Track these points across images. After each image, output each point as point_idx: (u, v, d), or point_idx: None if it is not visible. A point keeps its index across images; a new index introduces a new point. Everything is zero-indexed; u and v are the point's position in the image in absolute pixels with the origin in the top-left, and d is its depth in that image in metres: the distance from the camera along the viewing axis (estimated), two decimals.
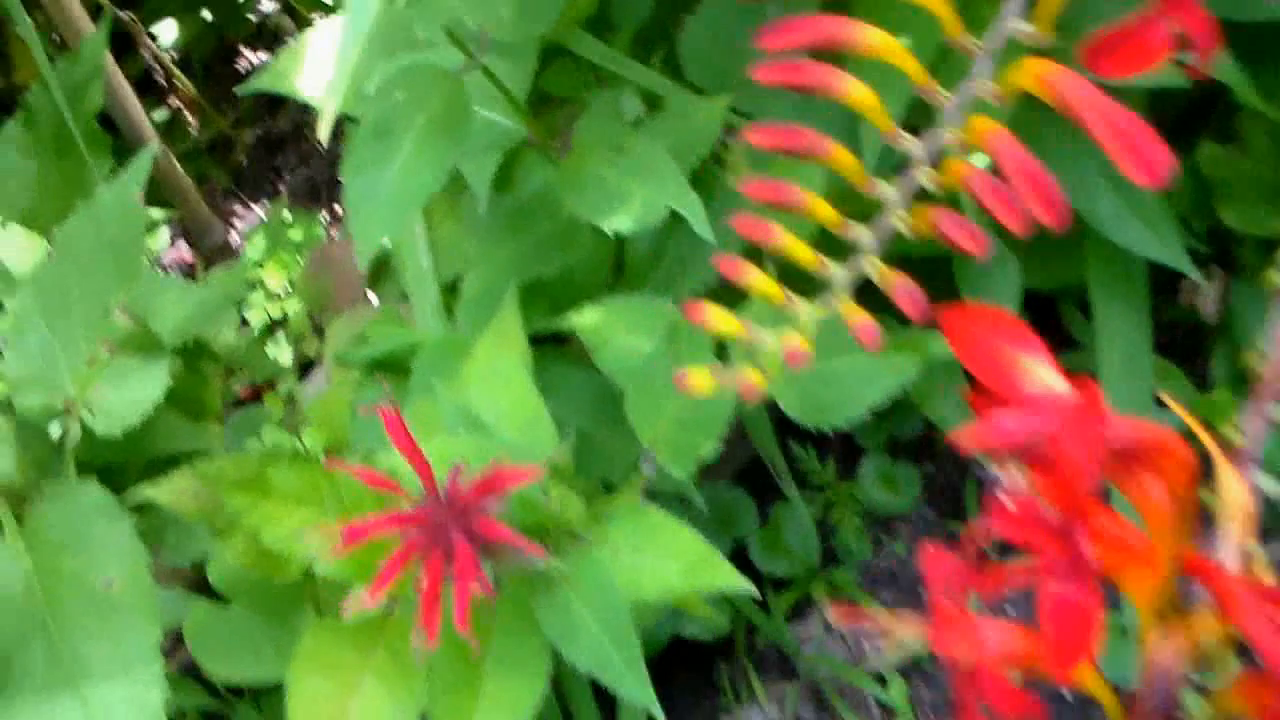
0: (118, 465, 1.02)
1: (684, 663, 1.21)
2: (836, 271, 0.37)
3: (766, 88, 0.92)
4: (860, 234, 0.37)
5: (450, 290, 1.09)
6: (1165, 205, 0.94)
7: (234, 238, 1.53)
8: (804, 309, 0.36)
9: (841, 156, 0.37)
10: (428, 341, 0.95)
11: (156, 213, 1.38)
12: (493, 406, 0.80)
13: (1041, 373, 0.37)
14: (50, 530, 0.79)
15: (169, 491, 0.86)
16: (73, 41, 1.22)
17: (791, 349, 0.34)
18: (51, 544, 0.78)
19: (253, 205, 1.56)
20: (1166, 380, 1.21)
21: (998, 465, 0.37)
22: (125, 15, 1.35)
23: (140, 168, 0.89)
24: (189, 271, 1.50)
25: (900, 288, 0.34)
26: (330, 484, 0.79)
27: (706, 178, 0.93)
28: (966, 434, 0.35)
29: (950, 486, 1.30)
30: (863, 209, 0.39)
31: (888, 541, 1.28)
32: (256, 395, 1.29)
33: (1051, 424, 0.35)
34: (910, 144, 0.37)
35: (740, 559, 1.23)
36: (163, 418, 1.01)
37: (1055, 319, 1.18)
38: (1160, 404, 1.23)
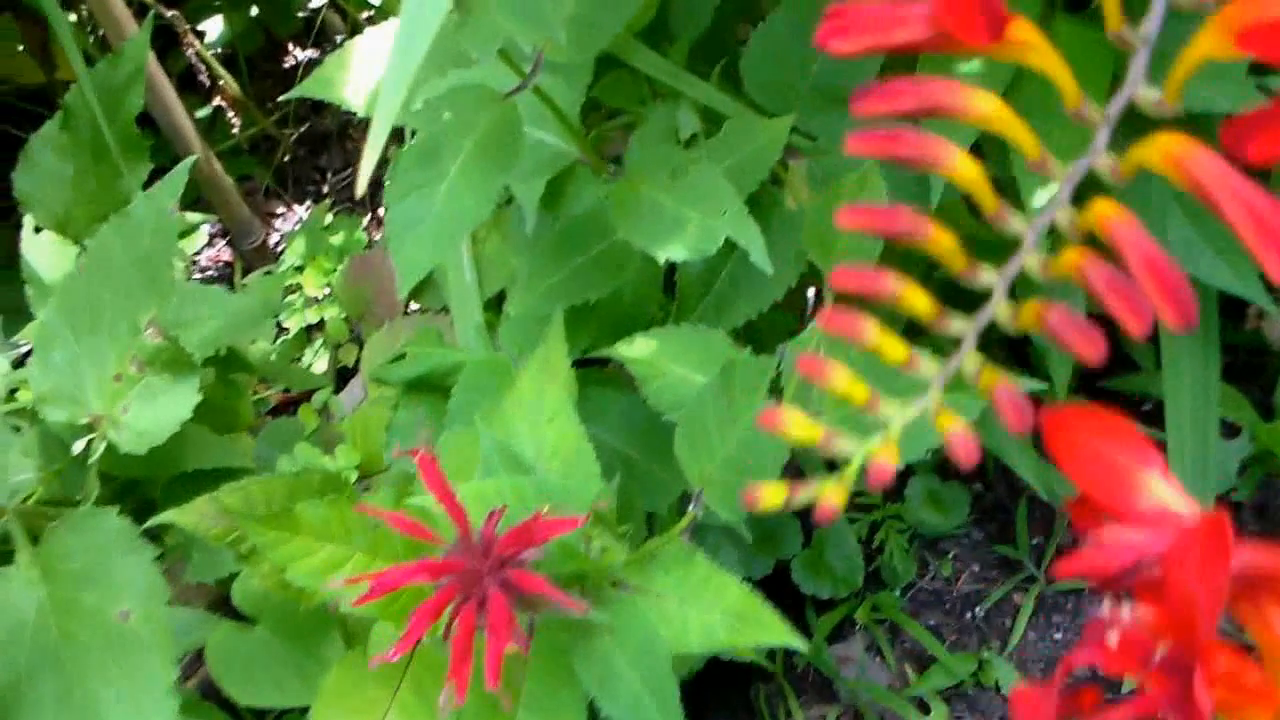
0: (144, 480, 0.99)
1: (720, 683, 1.18)
2: (930, 367, 0.33)
3: (830, 107, 0.88)
4: (959, 327, 0.33)
5: (494, 306, 1.06)
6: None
7: (274, 238, 1.50)
8: (893, 412, 0.32)
9: (941, 239, 0.33)
10: (469, 363, 0.91)
11: (195, 215, 1.35)
12: (535, 443, 0.76)
13: (1157, 487, 0.33)
14: (67, 560, 0.76)
15: (193, 514, 0.83)
16: (115, 40, 1.19)
17: (879, 464, 0.30)
18: (68, 574, 0.75)
19: (295, 206, 1.53)
20: (1231, 407, 1.16)
21: (1102, 591, 0.32)
22: (170, 13, 1.32)
23: (176, 181, 0.86)
24: (227, 272, 1.47)
25: (1003, 394, 0.30)
26: (361, 518, 0.75)
27: (764, 199, 0.89)
28: (1074, 560, 0.31)
29: (1000, 508, 1.26)
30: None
31: (934, 563, 1.24)
32: (293, 404, 1.26)
33: (1170, 549, 0.31)
34: (1018, 225, 0.33)
35: (783, 579, 1.19)
36: (192, 433, 0.98)
37: (1113, 339, 1.13)
38: (1227, 431, 1.20)
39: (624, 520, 0.96)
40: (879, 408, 0.34)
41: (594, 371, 0.95)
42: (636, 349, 0.81)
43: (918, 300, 0.33)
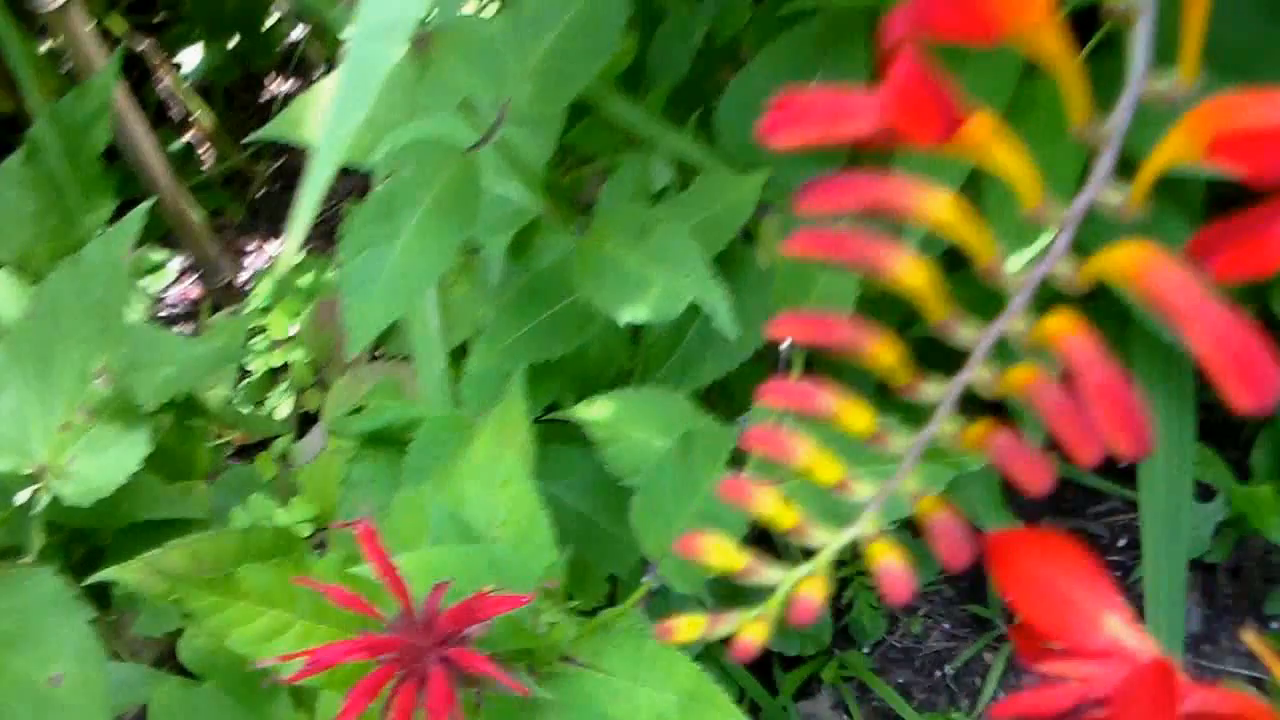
0: (91, 531, 0.96)
1: None
2: (865, 494, 0.30)
3: (805, 162, 0.86)
4: (897, 443, 0.30)
5: (461, 355, 1.03)
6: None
7: (246, 275, 1.48)
8: (864, 489, 0.29)
9: (883, 353, 0.30)
10: (427, 419, 0.88)
11: (164, 253, 1.33)
12: (487, 508, 0.73)
13: (1109, 622, 0.30)
14: None
15: (136, 572, 0.80)
16: (85, 72, 1.17)
17: (805, 601, 0.28)
18: None
19: (267, 242, 1.51)
20: (1207, 468, 1.14)
21: None
22: (143, 44, 1.29)
23: (130, 226, 0.83)
24: (195, 309, 1.44)
25: (942, 527, 0.28)
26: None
27: (735, 256, 0.87)
28: (1014, 701, 0.29)
29: (972, 564, 1.23)
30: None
31: (904, 620, 1.22)
32: (254, 448, 1.23)
33: (1116, 692, 0.29)
34: (967, 335, 0.31)
35: None
36: (143, 483, 0.95)
37: None
38: (1202, 493, 1.17)
39: (585, 584, 0.93)
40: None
41: (557, 427, 0.92)
42: (596, 411, 0.78)
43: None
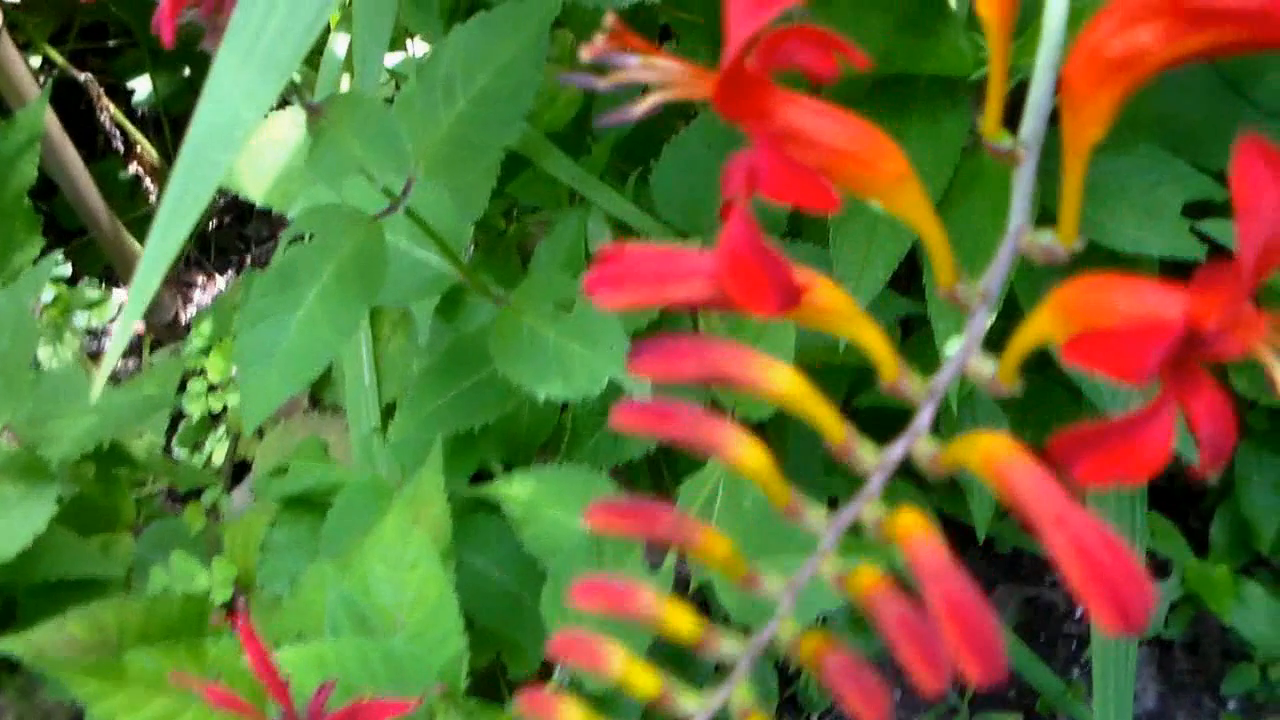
0: (4, 584, 0.93)
1: None
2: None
3: None
4: (727, 651, 0.27)
5: (391, 412, 0.99)
6: None
7: (193, 309, 1.44)
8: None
9: (714, 544, 0.27)
10: (347, 485, 0.85)
11: (94, 292, 1.29)
12: (395, 590, 0.70)
13: None
14: None
15: (37, 643, 0.77)
16: (16, 104, 1.13)
17: None
18: None
19: (216, 276, 1.47)
20: (1162, 540, 1.11)
21: None
22: (83, 76, 1.26)
23: (38, 278, 0.80)
24: (139, 343, 1.41)
25: (835, 668, 0.25)
26: (201, 663, 0.69)
27: (670, 320, 0.84)
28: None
29: None
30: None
31: None
32: (187, 496, 1.20)
33: None
34: (814, 521, 0.28)
35: None
36: (56, 540, 0.91)
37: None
38: (1155, 567, 1.14)
39: (516, 656, 0.89)
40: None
41: (483, 494, 0.89)
42: (515, 489, 0.75)
43: (679, 621, 0.27)
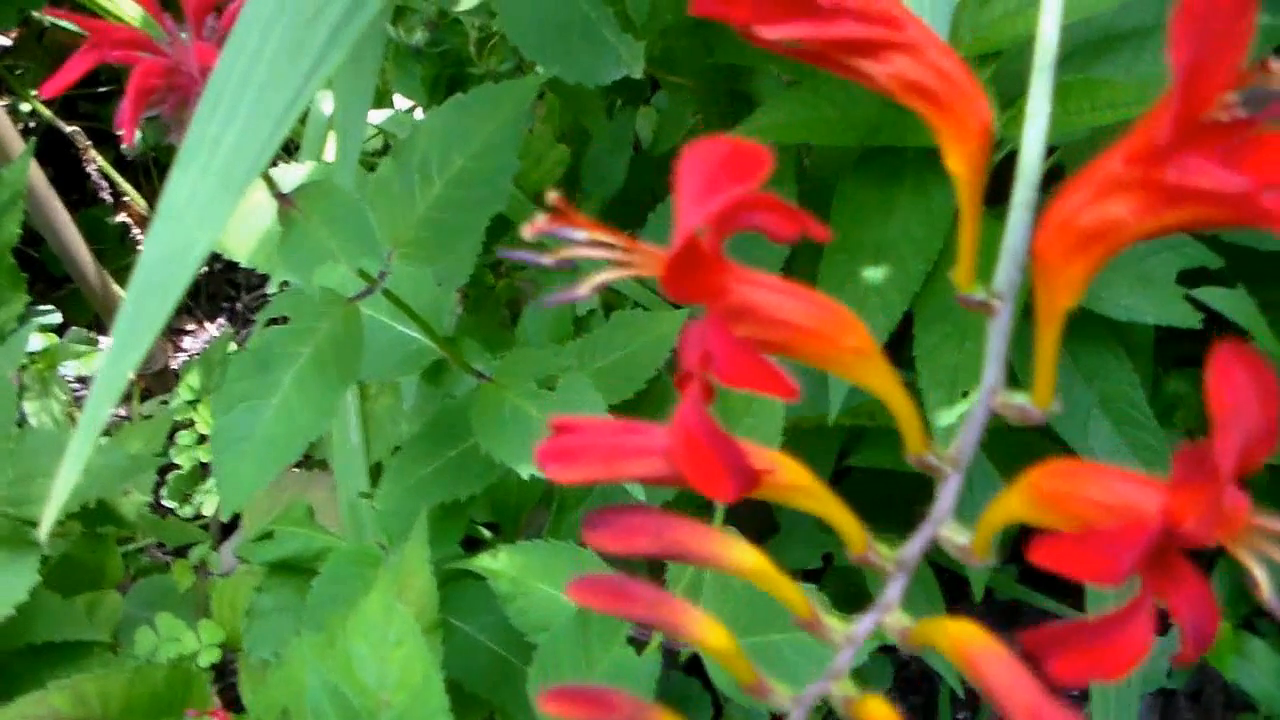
0: None
1: None
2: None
3: None
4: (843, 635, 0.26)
5: (378, 473, 0.98)
6: (1164, 441, 0.83)
7: (183, 356, 1.43)
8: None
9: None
10: (334, 552, 0.84)
11: (82, 344, 1.28)
12: (379, 669, 0.68)
13: None
14: None
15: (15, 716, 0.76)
16: (2, 162, 1.13)
17: None
18: None
19: (206, 323, 1.46)
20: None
21: None
22: (70, 128, 1.25)
23: (16, 347, 0.79)
24: (127, 393, 1.40)
25: None
26: None
27: (657, 390, 0.83)
28: None
29: (925, 678, 1.19)
30: None
31: None
32: (176, 551, 1.18)
33: None
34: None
35: None
36: (40, 604, 0.90)
37: None
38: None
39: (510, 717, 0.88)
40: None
41: (470, 567, 0.88)
42: (500, 562, 0.73)
43: None
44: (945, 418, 0.75)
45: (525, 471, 0.69)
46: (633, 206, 1.05)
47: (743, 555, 0.26)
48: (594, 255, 0.25)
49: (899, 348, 0.84)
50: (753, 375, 0.23)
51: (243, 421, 0.63)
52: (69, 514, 0.97)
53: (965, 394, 0.77)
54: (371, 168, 1.11)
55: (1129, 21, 0.82)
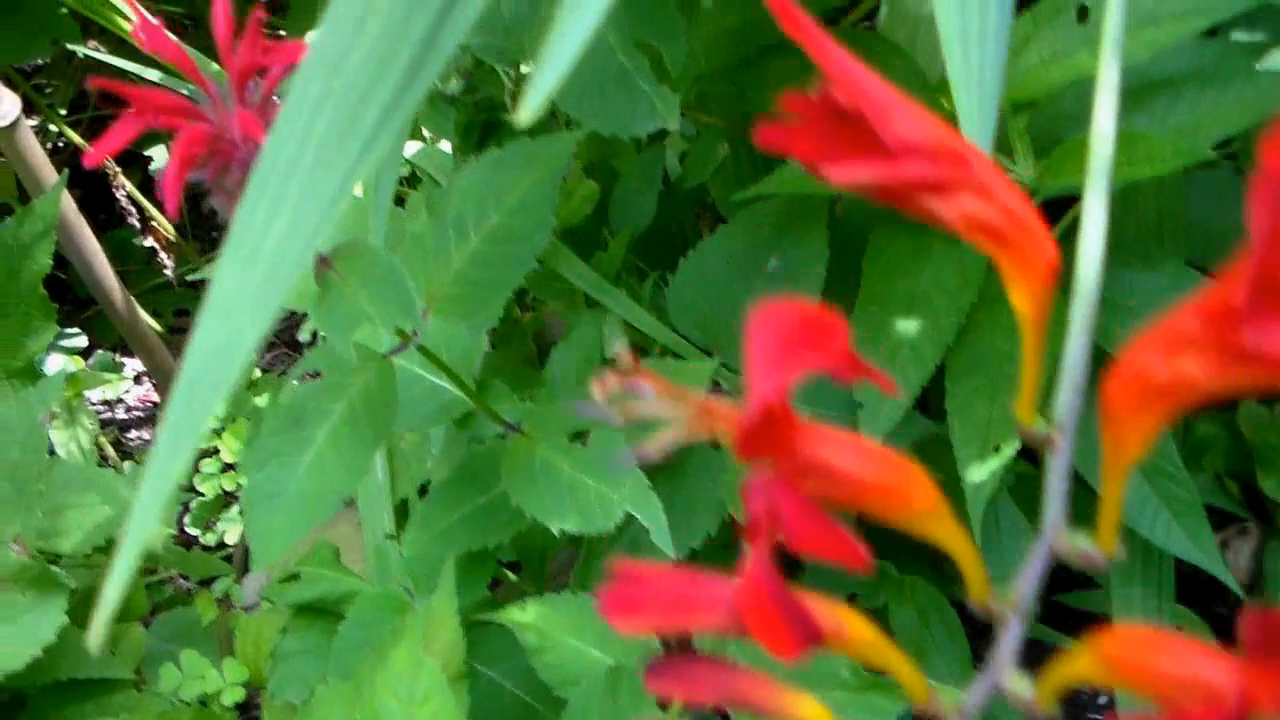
0: (11, 688, 0.92)
1: None
2: None
3: None
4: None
5: (405, 511, 0.98)
6: (1195, 493, 0.83)
7: None
8: None
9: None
10: (360, 597, 0.83)
11: (109, 372, 1.28)
12: None
13: None
14: None
15: None
16: (32, 187, 1.13)
17: None
18: None
19: None
20: (1188, 631, 1.09)
21: None
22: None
23: (51, 389, 0.79)
24: (155, 412, 1.40)
25: None
26: None
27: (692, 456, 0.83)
28: None
29: None
30: None
31: None
32: (201, 581, 1.19)
33: None
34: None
35: None
36: (65, 641, 0.90)
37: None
38: None
39: None
40: None
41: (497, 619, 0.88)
42: (528, 614, 0.73)
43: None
44: (977, 474, 0.74)
45: (556, 526, 0.69)
46: (662, 242, 1.04)
47: (806, 710, 0.26)
48: (663, 413, 0.25)
49: (930, 399, 0.84)
50: (823, 542, 0.23)
51: (276, 478, 0.63)
52: (95, 547, 0.97)
53: (997, 449, 0.76)
54: (399, 200, 1.11)
55: (1162, 70, 0.81)
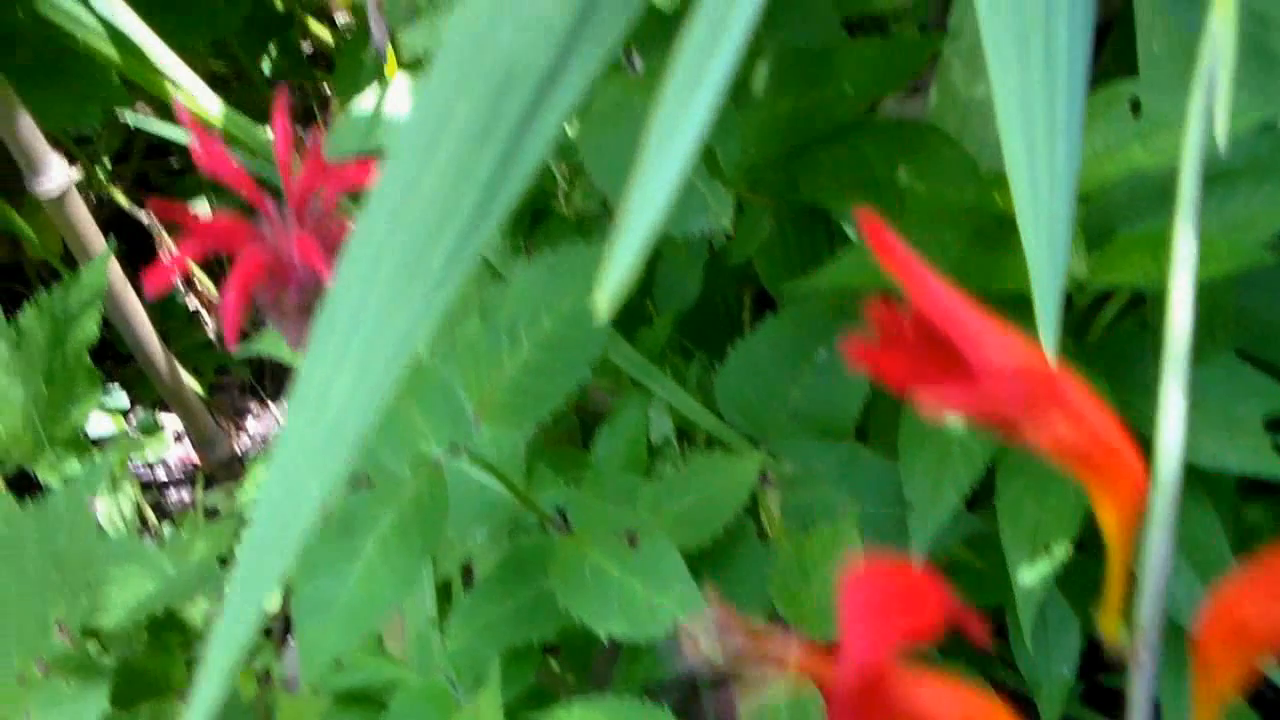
0: None
1: None
2: None
3: (808, 437, 0.81)
4: None
5: (447, 592, 0.98)
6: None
7: (248, 441, 1.44)
8: None
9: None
10: (402, 689, 0.83)
11: (150, 429, 1.29)
12: None
13: None
14: None
15: None
16: (79, 252, 1.14)
17: None
18: None
19: (270, 404, 1.47)
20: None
21: None
22: (147, 219, 1.27)
23: (96, 475, 0.79)
24: (193, 474, 1.40)
25: None
26: None
27: (734, 531, 0.82)
28: None
29: None
30: None
31: None
32: None
33: None
34: None
35: None
36: None
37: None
38: None
39: None
40: None
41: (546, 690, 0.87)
42: (575, 717, 0.73)
43: None
44: (1028, 577, 0.74)
45: (604, 632, 0.68)
46: (706, 315, 1.04)
47: None
48: (757, 662, 0.24)
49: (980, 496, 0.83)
50: None
51: (325, 589, 0.63)
52: (135, 623, 0.97)
53: (1047, 548, 0.76)
54: None
55: (1217, 164, 0.81)
